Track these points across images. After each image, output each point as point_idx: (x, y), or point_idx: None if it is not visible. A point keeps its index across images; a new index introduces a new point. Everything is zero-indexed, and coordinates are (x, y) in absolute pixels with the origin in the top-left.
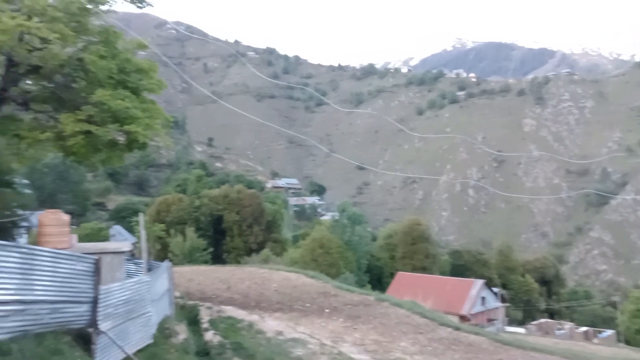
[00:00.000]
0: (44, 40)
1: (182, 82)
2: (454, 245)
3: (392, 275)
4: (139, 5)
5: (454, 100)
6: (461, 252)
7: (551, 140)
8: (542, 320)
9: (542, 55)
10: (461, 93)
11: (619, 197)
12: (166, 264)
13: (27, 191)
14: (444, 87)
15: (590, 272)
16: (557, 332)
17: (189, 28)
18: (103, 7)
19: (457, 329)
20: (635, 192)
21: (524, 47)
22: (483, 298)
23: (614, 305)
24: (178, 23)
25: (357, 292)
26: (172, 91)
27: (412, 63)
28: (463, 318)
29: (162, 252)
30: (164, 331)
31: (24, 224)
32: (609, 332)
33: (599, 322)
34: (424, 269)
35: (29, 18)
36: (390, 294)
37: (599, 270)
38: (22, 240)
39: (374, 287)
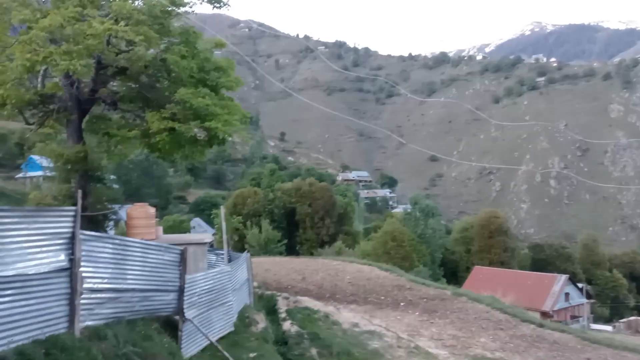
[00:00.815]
0: (130, 43)
1: (255, 79)
2: (534, 239)
3: (468, 269)
4: (217, 5)
5: (533, 87)
6: (542, 245)
7: None
8: (632, 317)
9: (630, 36)
10: (541, 79)
11: None
12: (245, 254)
13: (116, 186)
14: (522, 73)
15: None
16: None
17: (261, 26)
18: (183, 9)
19: (540, 325)
20: None
21: (609, 28)
22: (567, 294)
23: None
24: (250, 21)
25: (433, 286)
26: (245, 88)
27: (488, 50)
28: (545, 314)
29: (239, 244)
30: (244, 320)
31: (114, 216)
32: None
33: None
34: (502, 264)
35: (116, 22)
36: (467, 289)
37: None
38: (111, 232)
39: (448, 281)
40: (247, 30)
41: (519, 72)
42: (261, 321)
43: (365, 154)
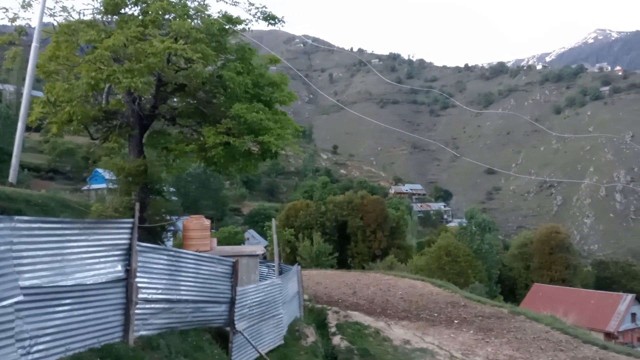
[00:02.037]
0: (188, 60)
1: (309, 93)
2: (598, 256)
3: (526, 286)
4: (272, 22)
5: (597, 97)
6: (607, 262)
7: None
8: None
9: None
10: (605, 88)
11: None
12: (296, 267)
13: (174, 198)
14: (585, 82)
15: None
16: None
17: (315, 41)
18: (239, 27)
19: (604, 347)
20: None
21: None
22: (633, 314)
23: None
24: (305, 37)
25: (489, 304)
26: (299, 102)
27: (548, 59)
28: (609, 336)
29: (290, 256)
30: (294, 333)
31: (172, 228)
32: None
33: None
34: (563, 281)
35: (176, 41)
36: (526, 307)
37: None
38: (169, 243)
39: (506, 299)
40: (302, 45)
41: (581, 81)
42: (311, 335)
43: (419, 167)
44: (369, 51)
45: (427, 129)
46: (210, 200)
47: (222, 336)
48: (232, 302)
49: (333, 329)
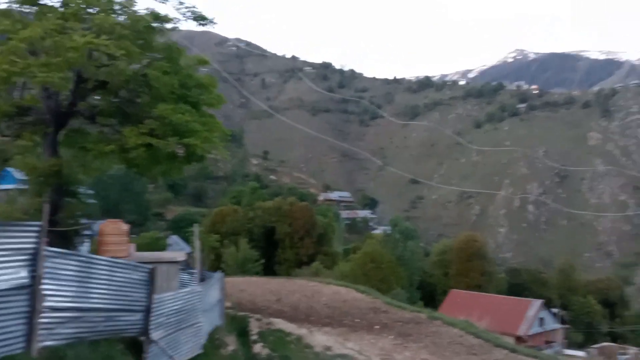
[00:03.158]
0: (111, 57)
1: (241, 97)
2: (511, 263)
3: (445, 292)
4: (202, 23)
5: (514, 113)
6: (519, 270)
7: (618, 155)
8: (605, 344)
9: (609, 66)
10: (522, 105)
11: None
12: (218, 274)
13: (92, 201)
14: (504, 99)
15: None
16: (620, 357)
17: (248, 45)
18: (168, 26)
19: (513, 350)
20: None
21: (589, 58)
22: (541, 319)
23: None
24: (238, 40)
25: (409, 309)
26: (230, 106)
27: (471, 75)
28: (519, 339)
29: (216, 262)
30: (213, 342)
31: (87, 232)
32: None
33: None
34: (479, 287)
35: (98, 36)
36: (443, 312)
37: None
38: (84, 248)
39: (426, 304)
40: (234, 48)
41: (500, 98)
42: (231, 343)
43: (348, 175)
44: (302, 58)
45: (357, 138)
46: (132, 204)
47: (136, 346)
48: (147, 311)
49: (255, 337)
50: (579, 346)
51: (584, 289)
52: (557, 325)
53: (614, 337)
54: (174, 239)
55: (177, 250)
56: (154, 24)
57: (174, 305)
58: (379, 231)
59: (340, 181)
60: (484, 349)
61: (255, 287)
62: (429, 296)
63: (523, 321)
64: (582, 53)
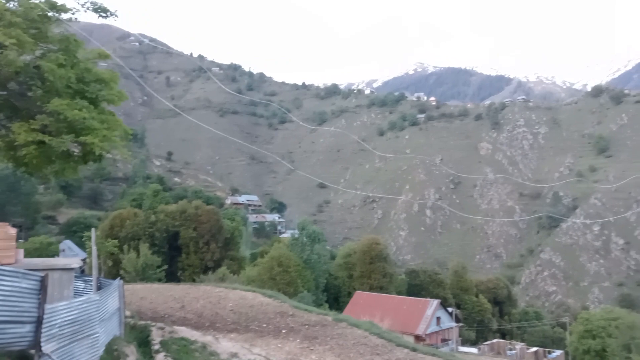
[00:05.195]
0: (0, 46)
1: (143, 94)
2: (410, 265)
3: (349, 294)
4: (103, 15)
5: (414, 123)
6: (417, 271)
7: (506, 164)
8: (494, 340)
9: (499, 82)
10: (421, 116)
11: (569, 220)
12: (117, 281)
13: None
14: (405, 109)
15: (540, 293)
16: (509, 352)
17: (152, 41)
18: (65, 16)
19: (413, 349)
20: (585, 216)
21: (482, 73)
22: (438, 318)
23: (563, 326)
24: (142, 35)
25: (315, 312)
26: (132, 104)
27: (375, 85)
28: (418, 338)
29: (114, 269)
30: (112, 353)
31: None
32: (558, 353)
33: (548, 342)
34: (381, 289)
35: None
36: (348, 313)
37: (549, 291)
38: None
39: (331, 306)
40: (137, 44)
41: (402, 108)
42: (131, 354)
43: (256, 178)
44: (210, 58)
45: (265, 141)
46: (19, 205)
47: None
48: (39, 322)
49: (157, 346)
50: (472, 343)
51: (476, 288)
52: (452, 324)
53: (503, 334)
54: (67, 244)
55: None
56: (50, 13)
57: (68, 316)
58: (286, 235)
59: (248, 184)
60: (386, 348)
61: (157, 294)
62: (334, 298)
63: (422, 320)
64: (475, 69)
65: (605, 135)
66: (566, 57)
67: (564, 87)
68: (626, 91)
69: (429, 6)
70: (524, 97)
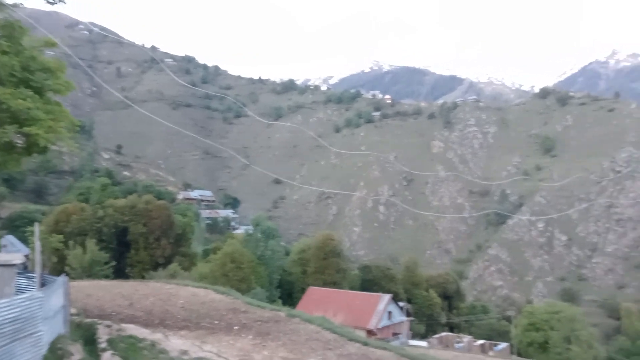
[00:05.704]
0: None
1: (92, 85)
2: (364, 260)
3: (303, 290)
4: (51, 2)
5: (370, 120)
6: (370, 267)
7: (457, 162)
8: (443, 333)
9: (452, 82)
10: (376, 113)
11: (515, 217)
12: (62, 278)
13: None
14: (361, 106)
15: (487, 287)
16: (457, 345)
17: (103, 30)
18: (9, 1)
19: (365, 344)
20: (530, 213)
21: (435, 73)
22: (390, 312)
23: (508, 319)
24: (92, 24)
25: (268, 308)
26: (80, 95)
27: (332, 82)
28: (370, 332)
29: (59, 265)
30: (56, 352)
31: None
32: (503, 345)
33: (494, 335)
34: (334, 284)
35: None
36: (301, 309)
37: (496, 285)
38: None
39: (284, 302)
40: (87, 33)
41: (358, 105)
42: (77, 352)
43: (210, 173)
44: (163, 50)
45: (220, 136)
46: None
47: None
48: None
49: (104, 345)
50: (422, 336)
51: (426, 283)
52: (403, 318)
53: (451, 327)
54: (9, 239)
55: (12, 252)
56: None
57: (9, 314)
58: (240, 231)
59: (201, 179)
60: (338, 343)
61: (104, 291)
62: (288, 294)
63: (373, 315)
64: (429, 68)
65: (550, 135)
66: (515, 59)
67: (513, 88)
68: (571, 93)
69: (397, 2)
70: (475, 97)
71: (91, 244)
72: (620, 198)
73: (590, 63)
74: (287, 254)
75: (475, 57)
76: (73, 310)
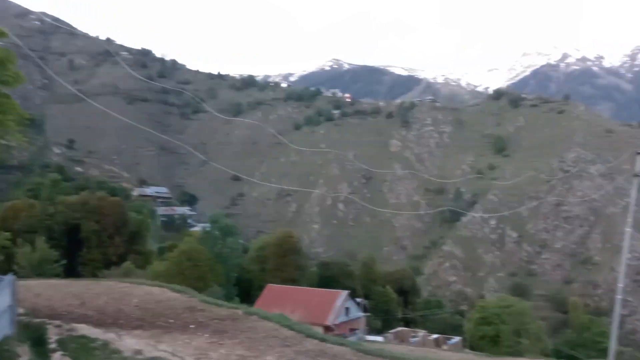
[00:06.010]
0: None
1: (44, 77)
2: (322, 257)
3: (261, 287)
4: None
5: (330, 118)
6: (329, 263)
7: (414, 161)
8: (399, 328)
9: (410, 82)
10: (336, 111)
11: (469, 214)
12: (9, 277)
13: None
14: (321, 104)
15: (442, 283)
16: (412, 340)
17: (55, 20)
18: None
19: (322, 340)
20: (483, 210)
21: (394, 73)
22: (347, 308)
23: (461, 313)
24: (43, 14)
25: (226, 306)
26: (30, 87)
27: (292, 79)
28: (327, 329)
29: (6, 264)
30: (2, 354)
31: None
32: (456, 339)
33: (448, 329)
34: (293, 281)
35: None
36: (259, 307)
37: (450, 281)
38: None
39: (242, 300)
40: (38, 23)
41: (318, 103)
42: (24, 354)
43: (166, 170)
44: (118, 42)
45: (177, 131)
46: None
47: None
48: None
49: (54, 345)
50: (378, 332)
51: (383, 279)
52: (360, 314)
53: (407, 322)
54: None
55: None
56: None
57: None
58: (197, 228)
59: (157, 176)
60: (296, 340)
61: (54, 290)
62: (246, 292)
63: (331, 311)
64: (388, 68)
65: (503, 135)
66: (470, 61)
67: (468, 89)
68: (523, 95)
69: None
70: (431, 97)
71: (41, 241)
72: (568, 196)
73: (542, 66)
74: (246, 251)
75: (432, 58)
76: (21, 311)
